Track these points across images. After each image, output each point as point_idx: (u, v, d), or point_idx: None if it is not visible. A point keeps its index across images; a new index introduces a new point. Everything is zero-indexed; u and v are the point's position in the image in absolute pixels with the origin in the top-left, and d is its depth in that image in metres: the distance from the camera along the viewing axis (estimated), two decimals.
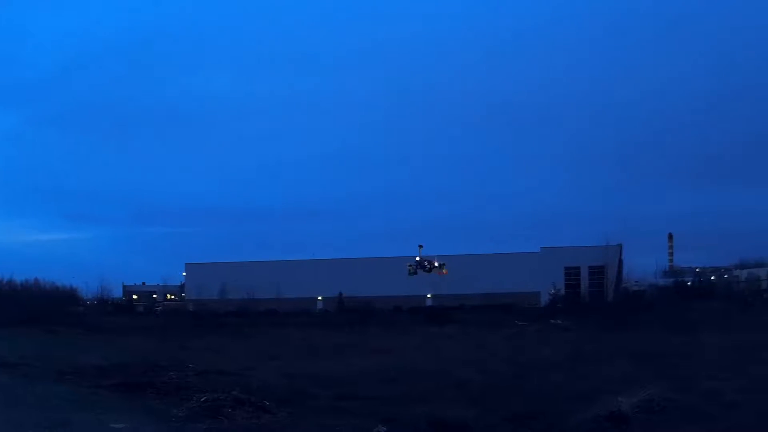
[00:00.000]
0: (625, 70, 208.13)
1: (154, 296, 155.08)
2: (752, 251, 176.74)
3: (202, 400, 21.77)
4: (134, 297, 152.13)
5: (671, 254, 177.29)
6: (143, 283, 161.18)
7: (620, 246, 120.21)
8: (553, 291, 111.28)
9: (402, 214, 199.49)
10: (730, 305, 76.34)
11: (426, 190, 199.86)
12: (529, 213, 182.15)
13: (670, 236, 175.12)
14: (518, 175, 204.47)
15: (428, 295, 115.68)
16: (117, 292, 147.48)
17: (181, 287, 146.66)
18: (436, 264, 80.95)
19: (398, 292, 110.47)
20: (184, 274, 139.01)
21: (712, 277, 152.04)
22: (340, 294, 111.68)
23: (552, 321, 70.18)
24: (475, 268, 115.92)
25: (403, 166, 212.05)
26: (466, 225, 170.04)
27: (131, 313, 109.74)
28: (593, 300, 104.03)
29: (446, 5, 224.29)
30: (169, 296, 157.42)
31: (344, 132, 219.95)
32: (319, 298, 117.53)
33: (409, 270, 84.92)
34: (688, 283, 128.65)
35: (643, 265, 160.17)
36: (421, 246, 62.67)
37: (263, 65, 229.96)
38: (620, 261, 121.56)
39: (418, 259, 78.98)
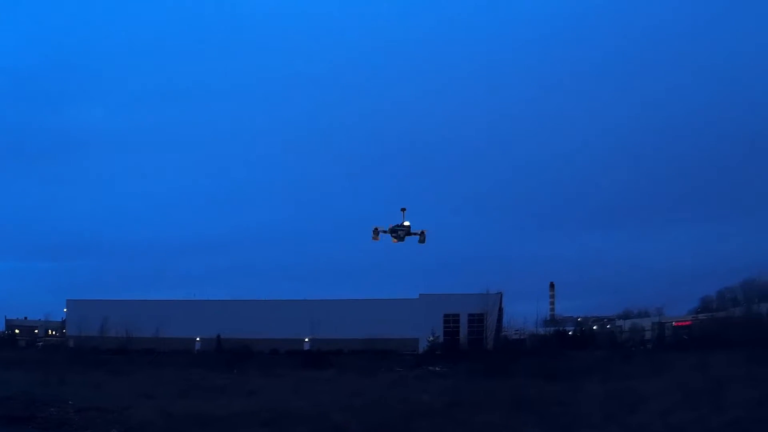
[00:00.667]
0: (504, 120, 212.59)
1: (35, 331, 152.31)
2: (636, 301, 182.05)
3: None
4: (16, 331, 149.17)
5: (552, 303, 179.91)
6: (25, 318, 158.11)
7: (500, 294, 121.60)
8: (431, 338, 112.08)
9: (285, 254, 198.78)
10: (612, 355, 78.01)
11: (308, 231, 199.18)
12: (408, 258, 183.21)
13: (552, 285, 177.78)
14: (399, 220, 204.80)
15: (306, 339, 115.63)
16: None
17: (63, 323, 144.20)
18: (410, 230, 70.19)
19: (276, 335, 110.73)
20: (65, 310, 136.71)
21: (594, 327, 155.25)
22: (218, 335, 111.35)
23: (430, 367, 70.94)
24: (355, 312, 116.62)
25: (288, 205, 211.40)
26: (346, 268, 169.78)
27: (13, 347, 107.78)
28: (472, 347, 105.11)
29: (322, 44, 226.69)
30: (50, 332, 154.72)
31: (231, 167, 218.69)
32: (198, 338, 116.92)
33: (374, 233, 74.10)
34: (570, 332, 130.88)
35: (524, 314, 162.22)
36: (404, 209, 60.47)
37: (148, 98, 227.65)
38: (500, 309, 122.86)
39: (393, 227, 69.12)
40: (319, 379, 59.67)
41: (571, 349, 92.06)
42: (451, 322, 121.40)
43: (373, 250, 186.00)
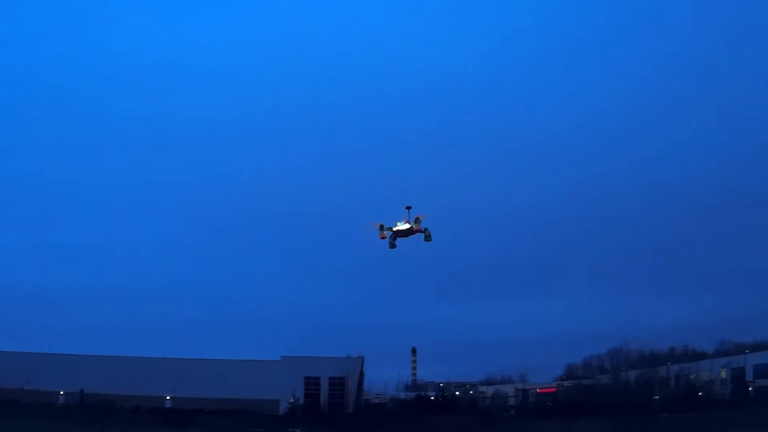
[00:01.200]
0: (361, 187, 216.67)
1: None
2: (499, 368, 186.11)
3: None
4: None
5: (414, 368, 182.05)
6: None
7: (362, 358, 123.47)
8: (292, 399, 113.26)
9: (148, 311, 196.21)
10: (474, 420, 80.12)
11: (168, 288, 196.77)
12: (273, 320, 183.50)
13: (414, 350, 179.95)
14: (266, 282, 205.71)
15: (167, 397, 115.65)
16: None
17: None
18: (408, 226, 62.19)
19: (139, 391, 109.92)
20: None
21: (457, 392, 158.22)
22: (81, 390, 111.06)
23: (290, 429, 72.49)
24: (216, 372, 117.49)
25: (154, 260, 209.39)
26: (208, 328, 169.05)
27: None
28: (333, 410, 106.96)
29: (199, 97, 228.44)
30: None
31: (96, 220, 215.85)
32: (62, 392, 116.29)
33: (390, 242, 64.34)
34: (432, 397, 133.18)
35: (386, 378, 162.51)
36: (409, 207, 54.92)
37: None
38: (361, 373, 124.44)
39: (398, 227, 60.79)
40: None
41: (433, 414, 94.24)
42: (312, 384, 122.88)
43: (233, 310, 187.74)
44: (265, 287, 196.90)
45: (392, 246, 56.19)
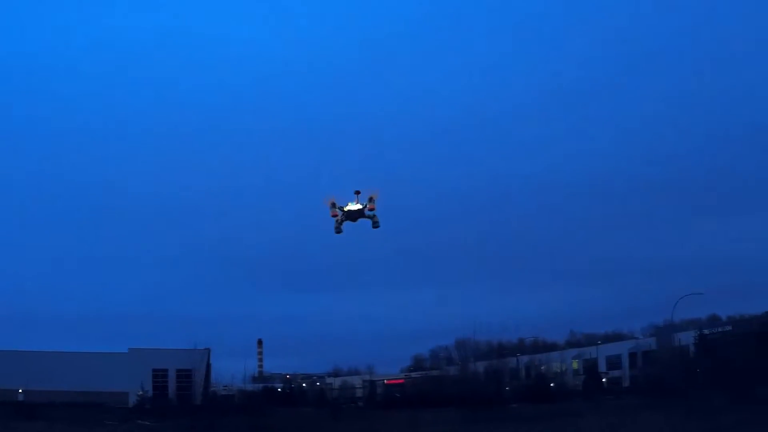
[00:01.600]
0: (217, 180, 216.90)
1: None
2: (346, 360, 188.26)
3: None
4: None
5: (261, 360, 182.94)
6: None
7: (208, 350, 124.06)
8: (141, 392, 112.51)
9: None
10: (321, 412, 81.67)
11: (11, 281, 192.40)
12: (119, 312, 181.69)
13: (260, 342, 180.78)
14: (112, 274, 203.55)
15: (20, 390, 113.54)
16: None
17: None
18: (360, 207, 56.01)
19: None
20: None
21: (304, 384, 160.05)
22: None
23: (140, 421, 73.26)
24: (64, 365, 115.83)
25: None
26: (48, 319, 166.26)
27: None
28: (181, 402, 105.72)
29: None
30: None
31: None
32: None
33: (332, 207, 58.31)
34: (278, 389, 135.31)
35: (233, 370, 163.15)
36: (358, 192, 49.45)
37: None
38: (208, 365, 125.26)
39: (349, 207, 55.16)
40: (29, 431, 61.54)
41: (280, 406, 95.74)
42: (159, 377, 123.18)
43: (79, 303, 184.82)
44: (111, 279, 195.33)
45: (338, 231, 49.75)
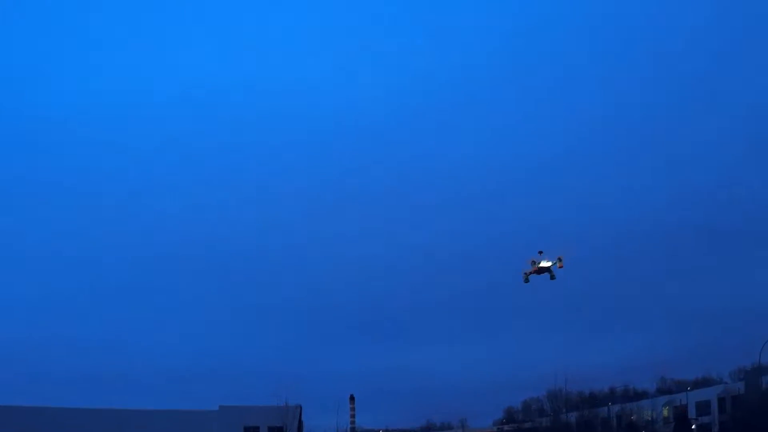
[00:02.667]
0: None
1: None
2: (438, 413, 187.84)
3: None
4: None
5: (353, 416, 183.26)
6: None
7: (299, 407, 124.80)
8: None
9: (88, 362, 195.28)
10: None
11: (104, 341, 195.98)
12: (208, 368, 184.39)
13: (352, 398, 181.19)
14: (201, 331, 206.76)
15: None
16: None
17: None
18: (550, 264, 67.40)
19: None
20: None
21: None
22: None
23: None
24: (157, 423, 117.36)
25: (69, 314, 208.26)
26: (139, 377, 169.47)
27: None
28: None
29: None
30: None
31: None
32: None
33: (525, 278, 70.58)
34: None
35: (325, 426, 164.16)
36: (541, 252, 62.09)
37: None
38: (300, 422, 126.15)
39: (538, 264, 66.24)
40: None
41: None
42: None
43: (171, 361, 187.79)
44: (200, 336, 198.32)
45: (526, 281, 67.81)
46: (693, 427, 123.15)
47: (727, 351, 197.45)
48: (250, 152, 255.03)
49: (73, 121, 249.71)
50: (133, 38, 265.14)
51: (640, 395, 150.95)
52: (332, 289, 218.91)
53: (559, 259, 67.14)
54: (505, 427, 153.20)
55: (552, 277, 68.41)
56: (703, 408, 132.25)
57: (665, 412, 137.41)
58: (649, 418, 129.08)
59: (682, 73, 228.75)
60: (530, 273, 68.60)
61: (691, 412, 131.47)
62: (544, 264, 67.69)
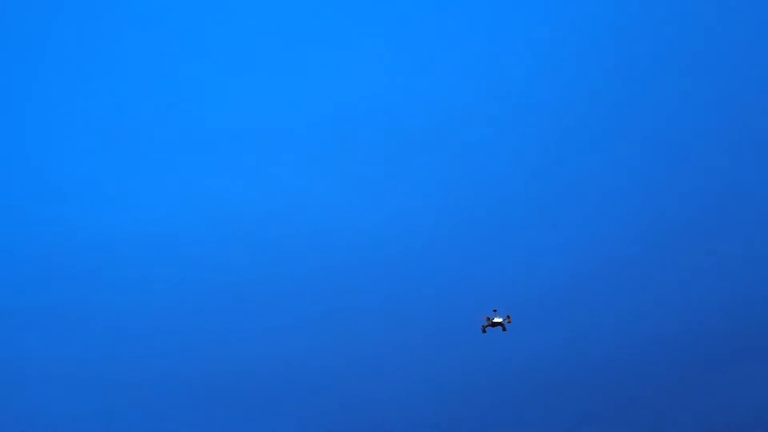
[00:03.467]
0: None
1: None
2: None
3: None
4: None
5: None
6: None
7: None
8: None
9: None
10: None
11: None
12: None
13: None
14: None
15: None
16: None
17: None
18: (501, 320, 74.55)
19: None
20: None
21: None
22: None
23: None
24: None
25: None
26: None
27: None
28: None
29: None
30: None
31: None
32: None
33: (482, 329, 78.24)
34: None
35: None
36: (495, 310, 67.86)
37: None
38: None
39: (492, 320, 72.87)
40: None
41: None
42: None
43: None
44: None
45: (484, 331, 71.30)
46: None
47: None
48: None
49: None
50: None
51: None
52: None
53: (508, 317, 72.24)
54: None
55: (504, 329, 72.94)
56: None
57: None
58: None
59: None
60: (486, 326, 73.35)
61: None
62: (497, 320, 73.21)
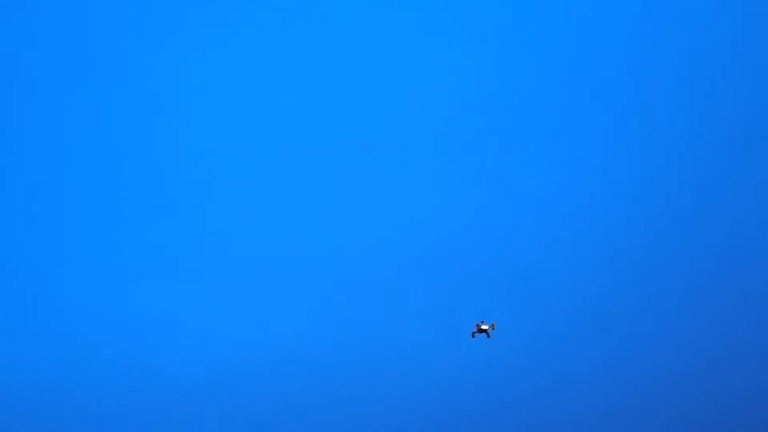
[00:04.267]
0: None
1: None
2: None
3: None
4: None
5: None
6: None
7: None
8: None
9: None
10: None
11: None
12: None
13: None
14: None
15: None
16: None
17: None
18: (487, 328, 78.86)
19: None
20: None
21: None
22: None
23: None
24: None
25: None
26: None
27: None
28: None
29: None
30: None
31: None
32: None
33: (472, 335, 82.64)
34: None
35: None
36: (482, 321, 71.81)
37: None
38: None
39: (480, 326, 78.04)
40: None
41: None
42: None
43: None
44: None
45: (473, 336, 74.22)
46: None
47: None
48: None
49: None
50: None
51: None
52: None
53: (492, 326, 75.41)
54: None
55: (488, 336, 75.98)
56: None
57: None
58: None
59: None
60: (475, 333, 76.98)
61: None
62: (483, 327, 76.49)
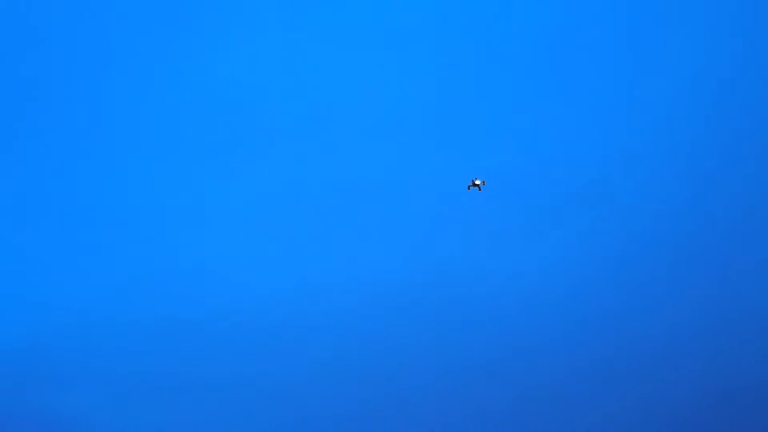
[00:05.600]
0: None
1: None
2: None
3: None
4: None
5: None
6: None
7: None
8: None
9: None
10: None
11: None
12: None
13: None
14: None
15: None
16: None
17: None
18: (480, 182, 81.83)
19: None
20: None
21: None
22: None
23: None
24: None
25: None
26: None
27: None
28: None
29: None
30: None
31: None
32: None
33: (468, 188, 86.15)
34: None
35: None
36: (476, 178, 74.60)
37: None
38: None
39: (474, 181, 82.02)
40: None
41: None
42: None
43: None
44: None
45: (469, 188, 76.04)
46: None
47: None
48: None
49: None
50: None
51: None
52: None
53: (483, 182, 77.05)
54: None
55: (479, 189, 77.61)
56: None
57: None
58: None
59: None
60: (470, 186, 78.56)
61: None
62: (477, 182, 78.02)
